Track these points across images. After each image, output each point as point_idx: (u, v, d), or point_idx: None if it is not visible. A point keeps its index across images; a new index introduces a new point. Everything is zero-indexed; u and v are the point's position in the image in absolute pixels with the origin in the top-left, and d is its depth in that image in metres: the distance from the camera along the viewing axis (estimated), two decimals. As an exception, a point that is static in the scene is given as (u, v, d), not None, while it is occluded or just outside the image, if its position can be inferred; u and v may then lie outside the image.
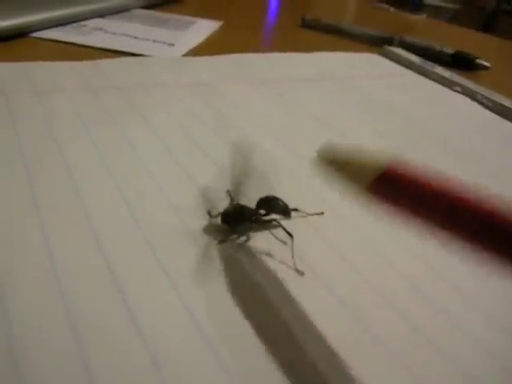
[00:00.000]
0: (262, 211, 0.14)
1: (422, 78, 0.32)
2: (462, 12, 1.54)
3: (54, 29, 0.30)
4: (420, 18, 0.64)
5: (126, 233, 0.12)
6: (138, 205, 0.14)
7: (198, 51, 0.30)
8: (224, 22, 0.39)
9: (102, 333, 0.10)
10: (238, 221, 0.13)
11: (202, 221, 0.14)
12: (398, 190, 0.09)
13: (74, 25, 0.31)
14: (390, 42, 0.41)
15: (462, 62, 0.39)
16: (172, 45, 0.30)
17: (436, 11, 1.39)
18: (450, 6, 1.57)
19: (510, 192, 0.09)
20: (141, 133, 0.18)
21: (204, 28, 0.35)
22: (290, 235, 0.13)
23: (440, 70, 0.32)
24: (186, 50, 0.29)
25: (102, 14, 0.34)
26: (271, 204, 0.14)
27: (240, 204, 0.14)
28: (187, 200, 0.14)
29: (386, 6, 0.67)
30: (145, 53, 0.28)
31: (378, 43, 0.41)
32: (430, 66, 0.33)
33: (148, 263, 0.12)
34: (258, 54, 0.30)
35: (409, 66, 0.33)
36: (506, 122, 0.26)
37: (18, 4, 0.28)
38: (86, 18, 0.32)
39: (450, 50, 0.40)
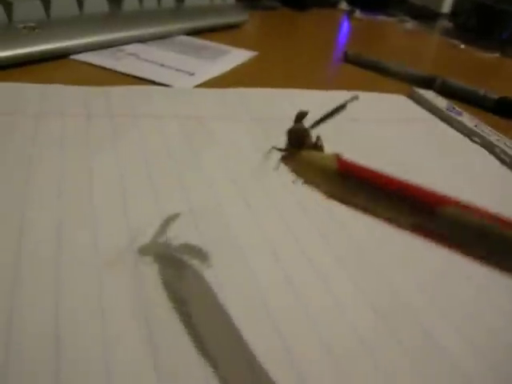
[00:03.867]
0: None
1: (444, 126, 0.30)
2: None
3: (94, 52, 0.33)
4: (491, 56, 0.60)
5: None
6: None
7: (215, 82, 0.31)
8: (261, 53, 0.40)
9: None
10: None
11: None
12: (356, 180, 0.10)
13: (114, 49, 0.34)
14: (431, 82, 0.40)
15: (508, 109, 0.37)
16: (192, 74, 0.32)
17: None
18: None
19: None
20: (105, 162, 0.19)
21: (235, 58, 0.37)
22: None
23: (465, 119, 0.31)
24: (203, 80, 0.31)
25: (142, 40, 0.37)
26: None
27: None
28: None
29: (457, 42, 0.65)
30: (163, 81, 0.30)
31: (419, 83, 0.40)
32: (456, 113, 0.31)
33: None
34: (269, 90, 0.30)
35: (434, 111, 0.32)
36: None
37: (60, 28, 0.32)
38: (127, 43, 0.35)
39: (494, 96, 0.37)
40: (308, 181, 0.11)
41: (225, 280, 0.15)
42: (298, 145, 0.12)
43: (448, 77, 0.40)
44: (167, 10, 0.41)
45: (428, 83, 0.40)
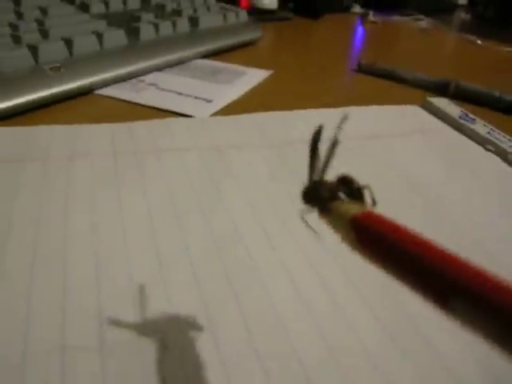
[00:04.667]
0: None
1: (457, 135, 0.31)
2: None
3: (115, 85, 0.35)
4: (510, 50, 0.59)
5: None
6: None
7: (233, 107, 0.33)
8: (275, 71, 0.41)
9: None
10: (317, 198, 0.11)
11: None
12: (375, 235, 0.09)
13: (134, 80, 0.36)
14: (446, 87, 0.40)
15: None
16: (210, 101, 0.33)
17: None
18: None
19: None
20: (133, 200, 0.21)
21: (250, 79, 0.38)
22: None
23: (478, 126, 0.31)
24: (220, 106, 0.32)
25: (160, 68, 0.38)
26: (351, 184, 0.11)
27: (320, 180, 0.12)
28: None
29: (474, 38, 0.64)
30: (182, 111, 0.31)
31: (433, 89, 0.40)
32: (469, 120, 0.32)
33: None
34: (282, 113, 0.31)
35: (447, 120, 0.32)
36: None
37: (84, 65, 0.34)
38: (146, 73, 0.37)
39: (509, 97, 0.37)
40: (336, 234, 0.11)
41: (246, 306, 0.16)
42: (329, 197, 0.11)
43: (465, 77, 0.40)
44: (183, 35, 0.43)
45: (442, 88, 0.40)
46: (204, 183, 0.23)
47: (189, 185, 0.23)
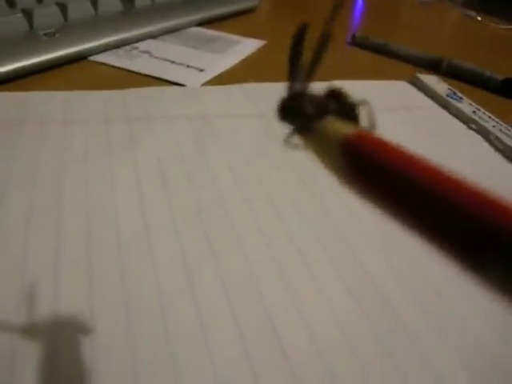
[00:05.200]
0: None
1: (442, 112, 0.32)
2: None
3: (109, 52, 0.35)
4: (508, 28, 0.59)
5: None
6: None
7: (224, 77, 0.33)
8: (269, 41, 0.41)
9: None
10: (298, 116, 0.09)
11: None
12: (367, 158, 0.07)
13: (128, 47, 0.36)
14: (438, 64, 0.40)
15: (513, 90, 0.37)
16: (202, 70, 0.33)
17: None
18: None
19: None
20: (123, 164, 0.22)
21: (244, 49, 0.38)
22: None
23: (464, 105, 0.32)
24: (212, 75, 0.33)
25: (155, 36, 0.39)
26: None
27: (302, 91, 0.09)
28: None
29: (473, 14, 0.64)
30: (174, 80, 0.32)
31: (426, 66, 0.41)
32: (456, 98, 0.32)
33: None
34: (271, 84, 0.32)
35: (434, 97, 0.33)
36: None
37: (78, 31, 0.34)
38: (140, 40, 0.37)
39: (499, 77, 0.38)
40: (320, 160, 0.09)
41: (225, 272, 0.17)
42: (314, 113, 0.09)
43: (460, 54, 0.41)
44: (178, 2, 0.43)
45: (435, 65, 0.40)
46: (191, 152, 0.24)
47: (177, 153, 0.24)
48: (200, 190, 0.21)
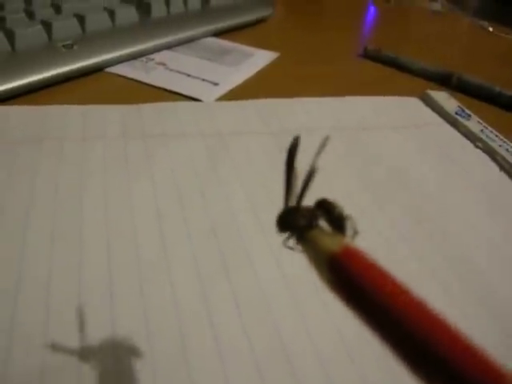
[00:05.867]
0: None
1: (451, 131, 0.32)
2: None
3: (126, 63, 0.36)
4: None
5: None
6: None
7: (238, 91, 0.34)
8: (282, 53, 0.42)
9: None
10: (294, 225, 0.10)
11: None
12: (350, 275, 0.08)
13: (144, 58, 0.37)
14: (448, 79, 0.41)
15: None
16: (216, 84, 0.34)
17: None
18: None
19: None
20: (141, 181, 0.23)
21: (257, 61, 0.39)
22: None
23: (473, 123, 0.32)
24: (226, 90, 0.34)
25: (170, 47, 0.39)
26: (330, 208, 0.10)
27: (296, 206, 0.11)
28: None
29: (485, 24, 0.64)
30: (189, 94, 0.32)
31: (436, 80, 0.41)
32: (464, 116, 0.33)
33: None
34: (284, 100, 0.32)
35: (443, 115, 0.34)
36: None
37: (96, 43, 0.35)
38: (156, 51, 0.38)
39: (508, 92, 0.38)
40: (312, 266, 0.10)
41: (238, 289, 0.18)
42: (305, 225, 0.10)
43: (471, 67, 0.41)
44: (193, 12, 0.44)
45: (445, 80, 0.40)
46: (205, 168, 0.24)
47: (191, 169, 0.24)
48: (213, 206, 0.22)
